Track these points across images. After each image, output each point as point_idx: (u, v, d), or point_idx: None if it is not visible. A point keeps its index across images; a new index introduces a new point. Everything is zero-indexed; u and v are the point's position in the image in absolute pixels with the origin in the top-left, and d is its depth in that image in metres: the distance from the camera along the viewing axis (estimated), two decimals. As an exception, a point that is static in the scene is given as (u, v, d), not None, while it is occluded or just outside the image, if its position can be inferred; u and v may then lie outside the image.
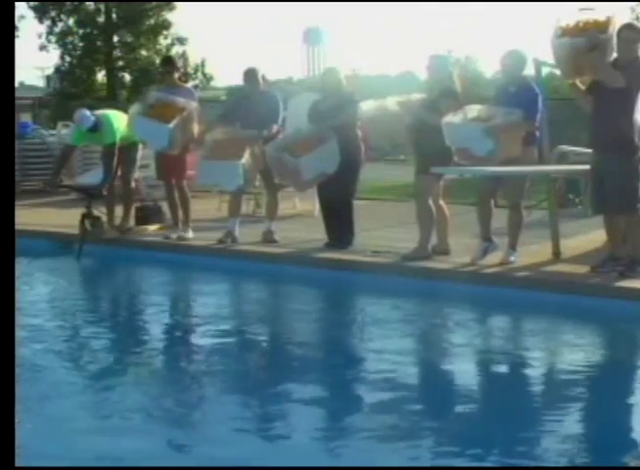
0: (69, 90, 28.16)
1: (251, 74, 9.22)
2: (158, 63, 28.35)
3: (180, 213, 9.49)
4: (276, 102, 9.14)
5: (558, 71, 7.94)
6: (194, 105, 9.24)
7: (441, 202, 8.17)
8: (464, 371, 5.63)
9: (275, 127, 9.05)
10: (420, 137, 7.98)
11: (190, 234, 9.29)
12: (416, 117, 8.01)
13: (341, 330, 6.67)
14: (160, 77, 10.11)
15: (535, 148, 7.75)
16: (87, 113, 9.48)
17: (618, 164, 6.89)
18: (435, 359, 5.94)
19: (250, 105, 9.03)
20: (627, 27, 7.02)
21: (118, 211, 9.82)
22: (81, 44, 28.69)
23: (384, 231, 9.10)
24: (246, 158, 8.69)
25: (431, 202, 8.01)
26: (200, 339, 6.54)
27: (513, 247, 7.68)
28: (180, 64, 10.52)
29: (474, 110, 7.64)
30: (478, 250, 7.73)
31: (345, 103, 8.55)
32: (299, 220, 10.48)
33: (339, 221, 8.60)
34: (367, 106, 8.45)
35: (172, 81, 9.61)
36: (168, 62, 10.30)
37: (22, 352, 5.66)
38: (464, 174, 9.44)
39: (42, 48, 28.67)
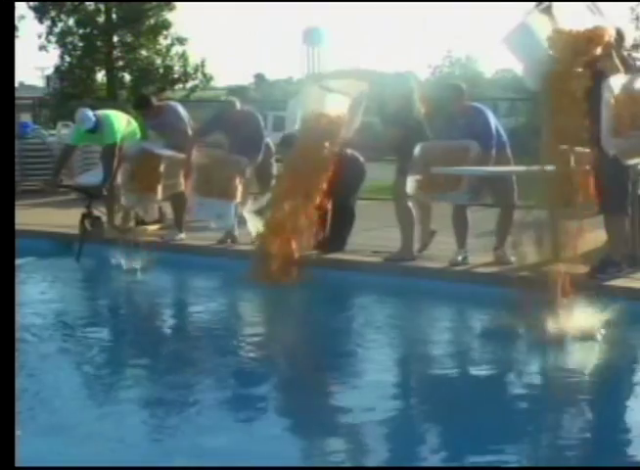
0: (69, 90, 28.14)
1: (227, 105, 9.31)
2: (158, 63, 28.49)
3: (174, 215, 9.53)
4: (257, 125, 9.15)
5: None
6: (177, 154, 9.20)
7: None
8: (466, 370, 5.64)
9: (259, 157, 9.10)
10: (396, 141, 8.00)
11: (181, 236, 9.30)
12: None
13: (340, 330, 6.68)
14: (143, 118, 10.01)
15: (507, 149, 7.85)
16: (89, 113, 9.48)
17: (612, 163, 6.83)
18: (437, 360, 5.94)
19: (232, 127, 9.01)
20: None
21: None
22: (81, 44, 28.66)
23: (383, 231, 9.09)
24: (239, 196, 8.71)
25: (410, 203, 8.04)
26: (197, 338, 6.56)
27: (501, 244, 7.74)
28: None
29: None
30: (456, 256, 7.76)
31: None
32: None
33: (344, 223, 8.61)
34: None
35: (154, 113, 9.67)
36: (141, 105, 10.03)
37: (21, 351, 5.68)
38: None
39: (42, 48, 28.65)
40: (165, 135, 9.64)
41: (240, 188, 8.77)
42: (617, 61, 6.73)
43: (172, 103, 10.50)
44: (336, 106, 8.11)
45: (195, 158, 8.97)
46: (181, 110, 9.79)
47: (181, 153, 9.15)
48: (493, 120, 7.82)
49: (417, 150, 7.68)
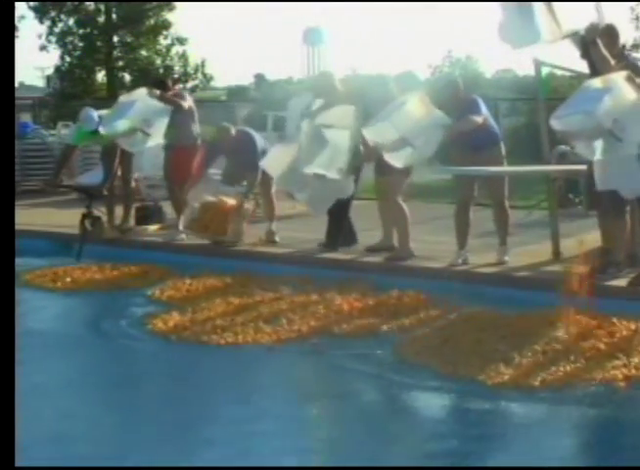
0: (69, 90, 28.14)
1: (222, 133, 9.23)
2: (158, 63, 28.49)
3: (176, 215, 9.56)
4: (253, 146, 9.11)
5: (558, 71, 7.91)
6: None
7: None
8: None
9: (258, 177, 9.06)
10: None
11: (182, 236, 9.31)
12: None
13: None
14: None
15: (501, 145, 7.79)
16: (93, 114, 9.46)
17: None
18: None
19: (229, 153, 9.14)
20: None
21: (118, 210, 9.83)
22: (81, 44, 28.67)
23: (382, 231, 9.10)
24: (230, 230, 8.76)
25: (400, 200, 8.06)
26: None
27: (504, 244, 7.74)
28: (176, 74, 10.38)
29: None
30: (456, 257, 7.75)
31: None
32: (299, 220, 10.48)
33: (339, 222, 8.62)
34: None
35: None
36: (158, 87, 9.96)
37: (21, 351, 5.67)
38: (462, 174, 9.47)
39: (42, 48, 28.65)
40: (174, 124, 9.69)
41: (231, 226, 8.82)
42: (603, 50, 6.67)
43: (183, 92, 10.54)
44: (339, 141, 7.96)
45: (193, 196, 9.05)
46: (188, 97, 9.88)
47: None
48: (485, 109, 7.73)
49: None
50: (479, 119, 7.55)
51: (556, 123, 6.22)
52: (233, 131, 9.20)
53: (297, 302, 7.09)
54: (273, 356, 6.02)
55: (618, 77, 6.16)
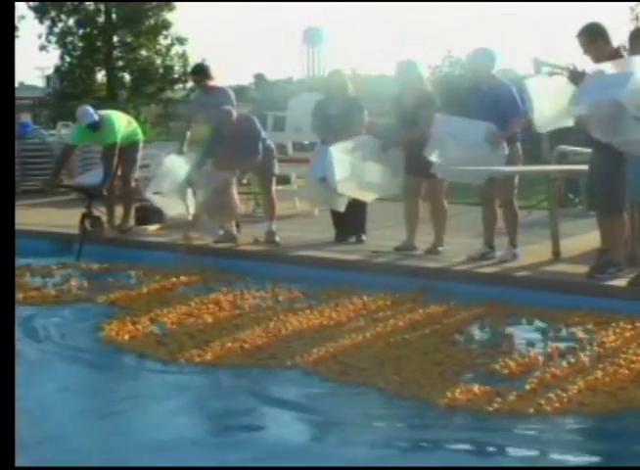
0: (69, 90, 28.18)
1: (225, 116, 9.09)
2: (158, 63, 28.54)
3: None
4: (254, 128, 9.01)
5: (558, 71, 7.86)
6: None
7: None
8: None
9: (258, 158, 8.95)
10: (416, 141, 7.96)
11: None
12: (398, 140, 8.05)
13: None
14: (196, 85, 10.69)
15: (519, 144, 7.72)
16: (90, 109, 9.52)
17: (608, 164, 6.78)
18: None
19: (231, 137, 8.91)
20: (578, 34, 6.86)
21: (118, 210, 9.84)
22: (81, 44, 28.72)
23: (382, 231, 9.10)
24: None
25: (444, 201, 8.14)
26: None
27: (513, 244, 7.72)
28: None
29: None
30: (477, 251, 7.75)
31: (353, 110, 8.58)
32: (299, 220, 10.48)
33: (353, 219, 8.71)
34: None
35: (206, 87, 9.91)
36: (195, 72, 10.32)
37: (21, 349, 5.69)
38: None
39: (42, 48, 28.70)
40: (211, 119, 9.65)
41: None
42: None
43: (226, 88, 10.42)
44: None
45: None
46: (232, 95, 9.82)
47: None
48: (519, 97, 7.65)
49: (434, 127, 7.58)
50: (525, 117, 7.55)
51: (578, 109, 6.22)
52: (235, 113, 9.08)
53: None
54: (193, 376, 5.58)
55: (634, 60, 6.12)
